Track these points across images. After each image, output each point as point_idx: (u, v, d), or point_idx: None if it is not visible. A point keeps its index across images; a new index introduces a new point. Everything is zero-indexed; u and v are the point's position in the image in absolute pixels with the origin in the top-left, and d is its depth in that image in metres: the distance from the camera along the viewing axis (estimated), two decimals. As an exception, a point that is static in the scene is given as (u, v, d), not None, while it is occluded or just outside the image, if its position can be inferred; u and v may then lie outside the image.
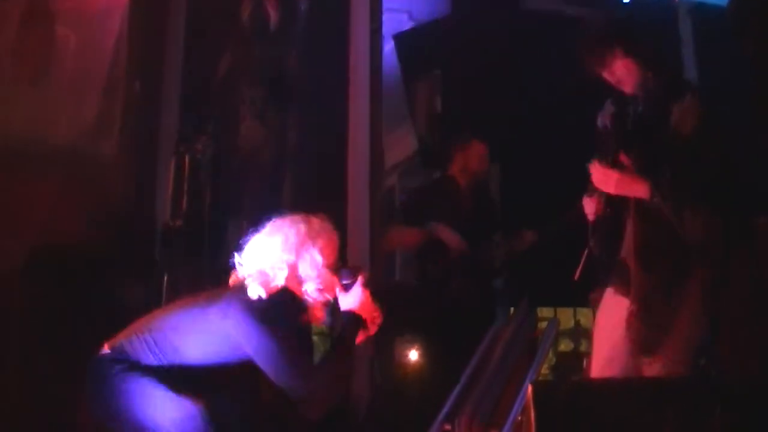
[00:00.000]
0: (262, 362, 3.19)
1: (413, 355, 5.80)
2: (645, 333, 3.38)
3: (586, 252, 3.52)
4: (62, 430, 4.36)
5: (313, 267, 3.39)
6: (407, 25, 7.60)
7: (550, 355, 6.04)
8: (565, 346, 6.63)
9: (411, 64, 7.45)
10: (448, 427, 4.05)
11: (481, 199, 5.83)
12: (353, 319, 3.37)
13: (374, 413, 5.61)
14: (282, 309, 3.31)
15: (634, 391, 2.84)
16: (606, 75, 3.56)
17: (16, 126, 5.30)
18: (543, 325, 5.21)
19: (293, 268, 3.39)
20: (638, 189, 3.38)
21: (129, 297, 4.89)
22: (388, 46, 7.35)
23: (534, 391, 2.69)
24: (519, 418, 3.99)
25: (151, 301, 4.77)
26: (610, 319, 3.54)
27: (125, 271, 4.93)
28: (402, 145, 7.41)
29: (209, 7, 6.42)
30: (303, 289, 3.41)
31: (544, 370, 5.66)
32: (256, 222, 3.58)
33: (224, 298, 3.32)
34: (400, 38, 7.47)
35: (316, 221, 3.49)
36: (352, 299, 3.38)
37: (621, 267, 3.51)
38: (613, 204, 3.50)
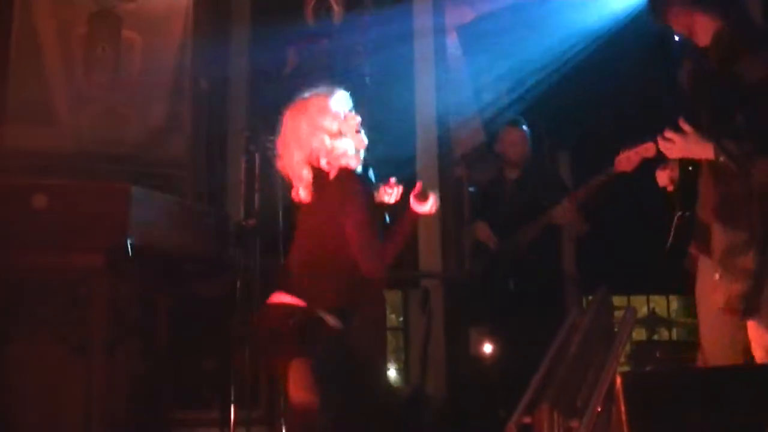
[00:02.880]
0: (356, 231, 3.45)
1: (487, 347, 5.75)
2: (729, 294, 3.28)
3: (677, 217, 3.44)
4: (139, 403, 4.48)
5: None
6: (470, 17, 7.53)
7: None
8: (637, 334, 6.52)
9: (476, 55, 7.38)
10: (527, 419, 3.98)
11: (527, 187, 5.62)
12: (416, 219, 3.62)
13: (451, 407, 5.58)
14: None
15: (727, 379, 2.76)
16: (679, 29, 3.49)
17: (88, 127, 5.37)
18: (618, 313, 5.10)
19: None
20: (702, 150, 3.30)
21: (202, 294, 4.92)
22: (452, 37, 7.30)
23: (623, 382, 2.62)
24: (599, 409, 3.91)
25: (224, 300, 4.79)
26: (706, 286, 3.45)
27: (198, 268, 4.96)
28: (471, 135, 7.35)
29: (273, 3, 6.44)
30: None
31: (621, 359, 5.59)
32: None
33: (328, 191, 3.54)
34: (463, 30, 7.41)
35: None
36: (426, 209, 3.58)
37: (701, 229, 3.42)
38: (687, 169, 3.42)
